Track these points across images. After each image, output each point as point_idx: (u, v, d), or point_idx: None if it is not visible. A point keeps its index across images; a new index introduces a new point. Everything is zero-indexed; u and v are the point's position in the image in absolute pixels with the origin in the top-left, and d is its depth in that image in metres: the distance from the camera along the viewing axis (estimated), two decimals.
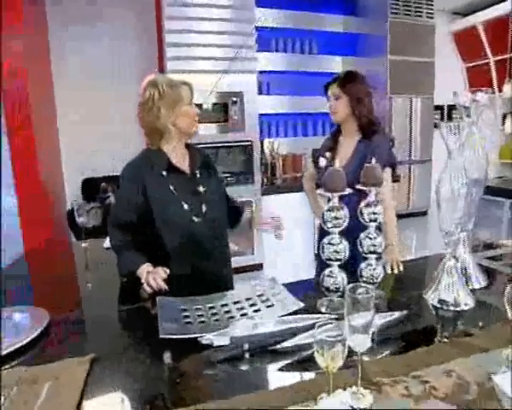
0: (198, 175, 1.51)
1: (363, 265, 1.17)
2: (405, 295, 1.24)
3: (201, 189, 1.50)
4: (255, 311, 1.11)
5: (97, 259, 1.90)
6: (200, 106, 3.34)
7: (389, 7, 3.98)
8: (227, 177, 3.52)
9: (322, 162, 1.80)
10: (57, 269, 1.90)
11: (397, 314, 1.00)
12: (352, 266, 1.19)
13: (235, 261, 3.59)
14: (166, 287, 1.28)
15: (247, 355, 0.93)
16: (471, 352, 0.86)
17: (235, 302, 1.17)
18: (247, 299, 1.18)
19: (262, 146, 4.12)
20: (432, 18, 4.19)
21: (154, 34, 3.70)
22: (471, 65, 4.90)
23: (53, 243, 2.93)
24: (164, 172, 1.42)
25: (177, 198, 1.42)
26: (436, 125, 4.62)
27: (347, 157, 1.75)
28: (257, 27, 3.70)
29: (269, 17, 4.00)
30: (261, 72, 3.91)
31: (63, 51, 3.58)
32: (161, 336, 0.98)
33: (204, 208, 1.47)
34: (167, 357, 0.97)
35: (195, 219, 1.44)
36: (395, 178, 1.80)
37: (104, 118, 3.69)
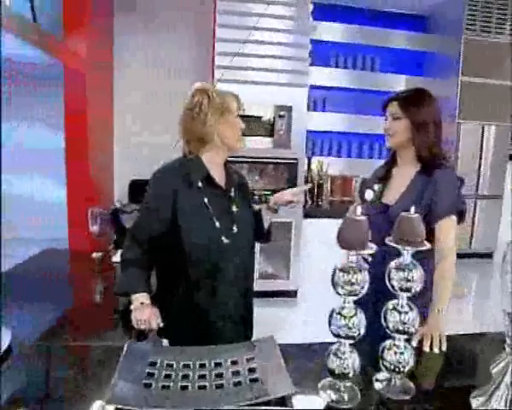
0: (232, 194, 1.39)
1: (387, 343, 0.89)
2: (444, 395, 0.92)
3: (234, 208, 1.37)
4: (217, 387, 0.86)
5: None
6: (245, 117, 3.23)
7: (465, 23, 3.57)
8: (267, 194, 3.32)
9: (369, 196, 1.51)
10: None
11: None
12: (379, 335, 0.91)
13: (268, 284, 3.46)
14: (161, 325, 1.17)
15: None
16: None
17: (217, 364, 0.94)
18: (233, 363, 0.94)
19: (309, 164, 3.89)
20: None
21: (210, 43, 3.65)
22: None
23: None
24: (200, 184, 1.30)
25: (209, 213, 1.29)
26: None
27: (400, 192, 1.43)
28: (316, 41, 3.52)
29: (328, 31, 3.79)
30: (317, 87, 3.73)
31: (125, 57, 3.63)
32: (104, 403, 0.77)
33: (235, 229, 1.33)
34: None
35: (225, 239, 1.30)
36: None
37: (159, 122, 3.71)
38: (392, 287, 0.87)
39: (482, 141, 3.89)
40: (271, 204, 1.44)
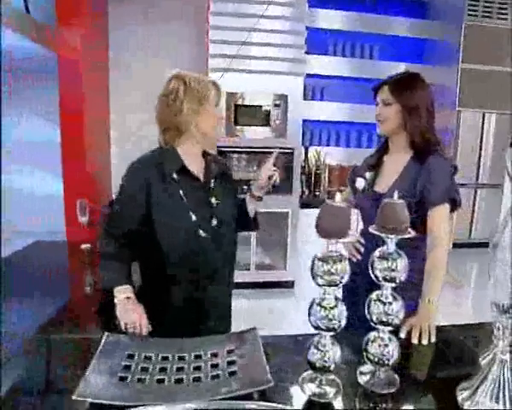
0: (212, 185, 1.33)
1: (371, 335, 0.86)
2: (430, 388, 0.89)
3: (214, 201, 1.31)
4: (195, 380, 0.83)
5: None
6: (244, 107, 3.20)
7: (466, 8, 3.48)
8: None
9: (360, 184, 1.47)
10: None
11: None
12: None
13: (265, 275, 3.43)
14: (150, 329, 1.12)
15: None
16: None
17: (196, 357, 0.91)
18: (213, 355, 0.92)
19: (306, 154, 3.83)
20: None
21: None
22: None
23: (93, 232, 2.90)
24: (175, 175, 1.25)
25: (184, 206, 1.24)
26: None
27: (393, 179, 1.39)
28: (314, 29, 3.45)
29: (326, 18, 3.71)
30: (315, 76, 3.67)
31: (120, 49, 3.55)
32: (74, 398, 0.75)
33: (214, 222, 1.29)
34: None
35: (202, 233, 1.25)
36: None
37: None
38: (376, 277, 0.83)
39: (483, 129, 3.82)
40: (254, 192, 1.38)
